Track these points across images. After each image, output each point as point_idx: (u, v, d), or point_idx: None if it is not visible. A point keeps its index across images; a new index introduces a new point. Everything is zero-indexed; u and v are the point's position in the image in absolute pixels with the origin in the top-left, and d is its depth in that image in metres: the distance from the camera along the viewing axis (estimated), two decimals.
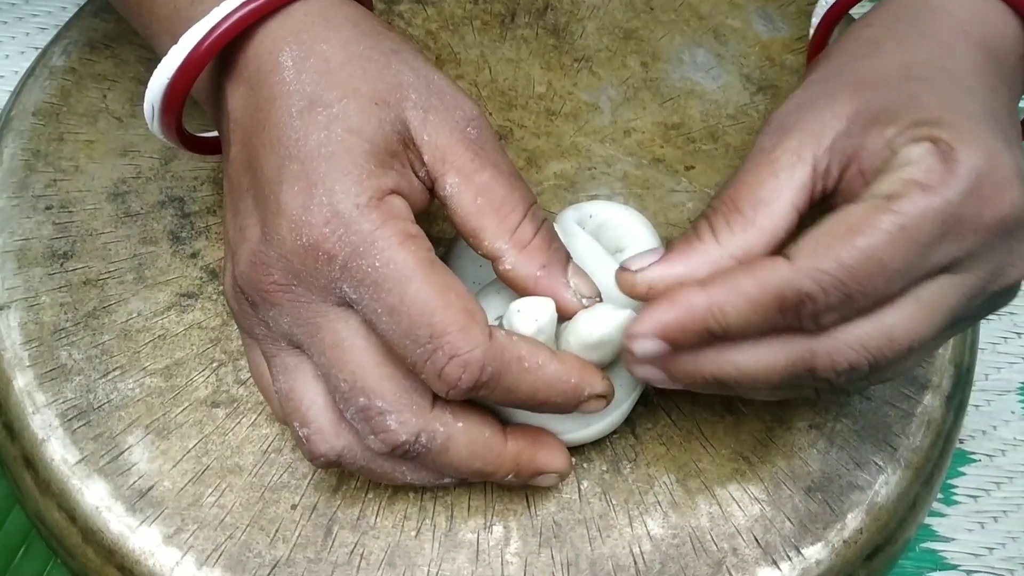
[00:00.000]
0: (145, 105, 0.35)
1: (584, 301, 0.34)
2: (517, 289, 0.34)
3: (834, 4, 0.40)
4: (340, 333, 0.32)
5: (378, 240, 0.32)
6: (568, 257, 0.35)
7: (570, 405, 0.34)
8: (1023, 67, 0.36)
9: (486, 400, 0.33)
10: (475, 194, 0.33)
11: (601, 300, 0.35)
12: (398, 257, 0.31)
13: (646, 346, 0.32)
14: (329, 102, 0.33)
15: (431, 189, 0.34)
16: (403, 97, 0.33)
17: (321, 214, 0.32)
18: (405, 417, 0.32)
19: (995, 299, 0.33)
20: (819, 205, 0.34)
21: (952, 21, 0.35)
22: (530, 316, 0.33)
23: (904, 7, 0.36)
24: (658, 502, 0.38)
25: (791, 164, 0.33)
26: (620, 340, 0.34)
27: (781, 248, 0.32)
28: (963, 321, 0.33)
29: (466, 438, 0.33)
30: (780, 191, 0.33)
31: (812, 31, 0.41)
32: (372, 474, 0.35)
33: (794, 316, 0.31)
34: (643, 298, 0.33)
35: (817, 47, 0.41)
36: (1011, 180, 0.31)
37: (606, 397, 0.34)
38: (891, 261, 0.30)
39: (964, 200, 0.30)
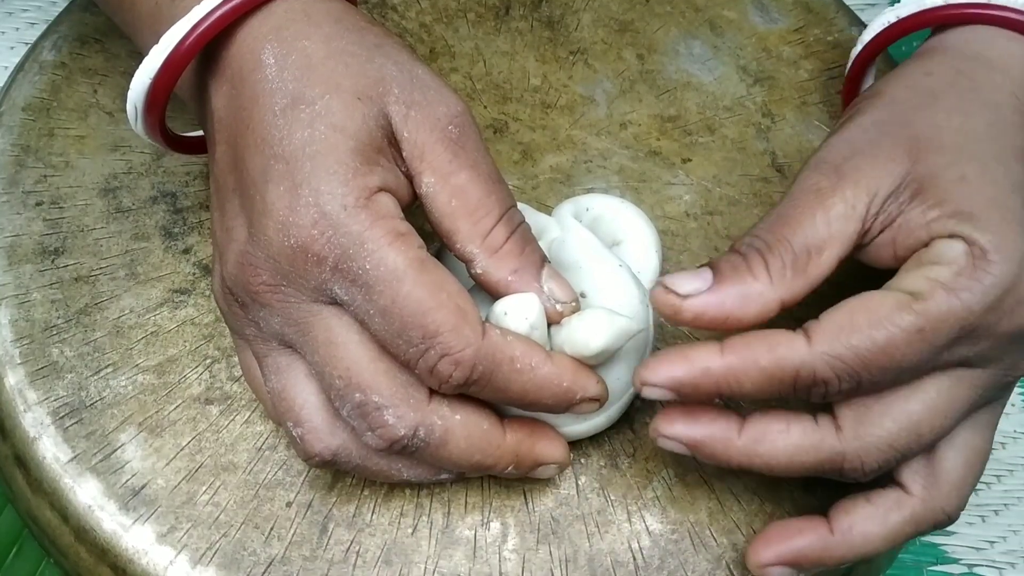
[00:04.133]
0: (128, 106, 0.35)
1: (559, 306, 0.34)
2: (489, 292, 0.34)
3: (872, 40, 0.40)
4: (333, 331, 0.32)
5: (367, 241, 0.31)
6: (543, 261, 0.34)
7: (561, 407, 0.33)
8: None
9: (478, 396, 0.33)
10: (450, 196, 0.33)
11: (578, 304, 0.34)
12: (388, 258, 0.31)
13: (655, 393, 0.32)
14: (311, 99, 0.32)
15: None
16: (386, 91, 0.33)
17: (308, 215, 0.31)
18: (402, 411, 0.32)
19: (1011, 386, 0.34)
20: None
21: (1008, 82, 0.35)
22: (520, 316, 0.33)
23: (963, 59, 0.36)
24: (656, 497, 0.37)
25: (846, 215, 0.33)
26: (616, 345, 0.34)
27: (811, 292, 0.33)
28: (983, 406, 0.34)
29: (464, 431, 0.33)
30: (833, 242, 0.33)
31: (848, 67, 0.41)
32: (368, 472, 0.34)
33: (804, 393, 0.32)
34: (684, 324, 0.33)
35: (852, 87, 0.41)
36: None
37: (599, 400, 0.34)
38: (904, 359, 0.31)
39: (985, 312, 0.31)
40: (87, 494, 0.36)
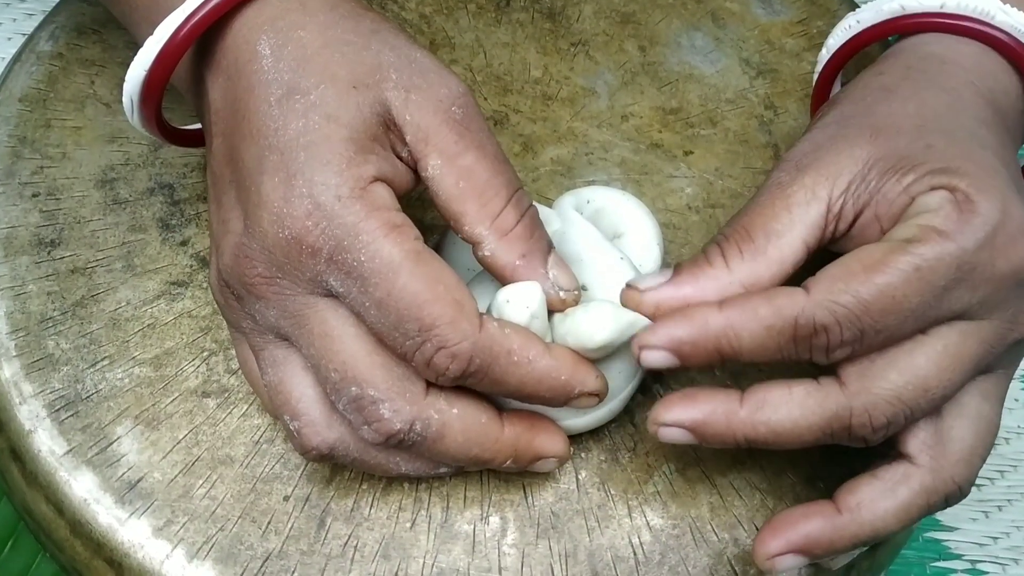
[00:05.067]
0: (124, 98, 0.35)
1: (562, 294, 0.33)
2: (495, 276, 0.34)
3: (838, 50, 0.40)
4: (329, 323, 0.32)
5: (362, 233, 0.31)
6: (550, 247, 0.34)
7: (559, 400, 0.33)
8: (1023, 122, 0.37)
9: (476, 389, 0.32)
10: (457, 177, 0.33)
11: (579, 293, 0.34)
12: (384, 250, 0.31)
13: (655, 357, 0.32)
14: (306, 89, 0.32)
15: (416, 170, 0.33)
16: (383, 78, 0.33)
17: (302, 206, 0.31)
18: (398, 405, 0.32)
19: (1017, 349, 0.34)
20: (828, 246, 0.34)
21: (961, 72, 0.36)
22: (520, 304, 0.33)
23: (915, 57, 0.37)
24: (657, 492, 0.37)
25: (806, 200, 0.33)
26: (621, 339, 0.33)
27: (786, 282, 0.33)
28: (988, 371, 0.33)
29: (461, 424, 0.33)
30: (793, 225, 0.33)
31: (816, 75, 0.41)
32: (366, 466, 0.34)
33: (805, 347, 0.31)
34: (650, 316, 0.33)
35: (820, 93, 0.41)
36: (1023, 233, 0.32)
37: (598, 395, 0.34)
38: (905, 300, 0.31)
39: (979, 249, 0.31)
40: (83, 487, 0.36)
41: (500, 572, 0.35)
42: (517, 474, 0.37)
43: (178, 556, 0.35)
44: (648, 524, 0.37)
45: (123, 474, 0.36)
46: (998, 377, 0.34)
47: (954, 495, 0.33)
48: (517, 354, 0.32)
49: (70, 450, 0.36)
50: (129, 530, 0.35)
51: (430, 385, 0.32)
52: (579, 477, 0.37)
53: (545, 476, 0.37)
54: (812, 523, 0.33)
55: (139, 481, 0.36)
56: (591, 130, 0.44)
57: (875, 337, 0.31)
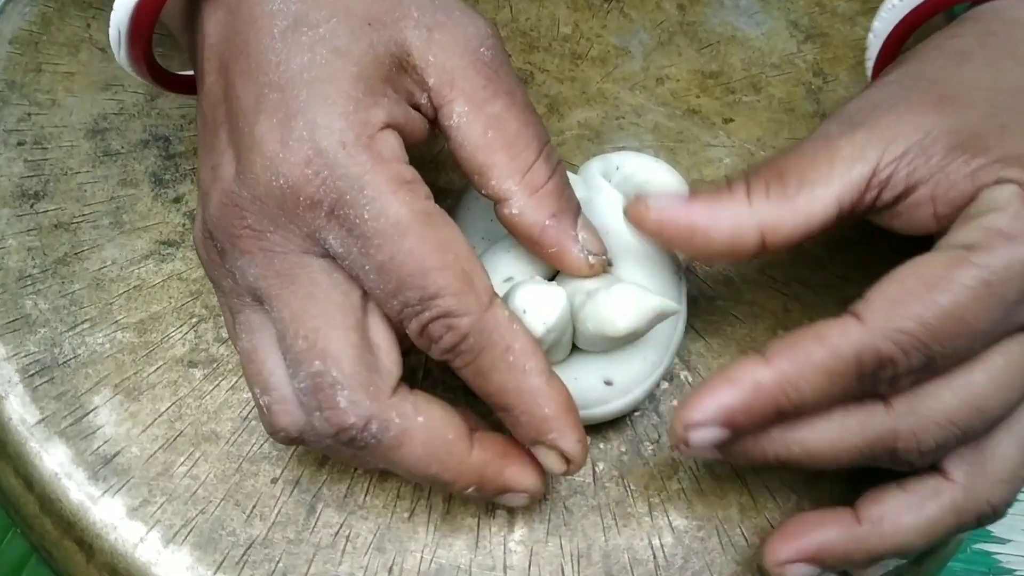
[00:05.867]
0: (111, 30, 0.31)
1: (591, 259, 0.30)
2: (521, 237, 0.30)
3: (910, 13, 0.35)
4: (318, 284, 0.28)
5: (367, 187, 0.28)
6: (579, 208, 0.31)
7: (526, 434, 0.29)
8: None
9: (458, 371, 0.29)
10: (485, 126, 0.29)
11: (608, 260, 0.31)
12: (391, 208, 0.28)
13: (706, 435, 0.28)
14: (316, 22, 0.29)
15: (432, 120, 0.30)
16: (403, 15, 0.29)
17: (301, 152, 0.28)
18: (358, 397, 0.28)
19: None
20: (868, 215, 0.30)
21: None
22: (538, 318, 0.29)
23: (996, 22, 0.33)
24: (682, 489, 0.34)
25: (851, 157, 0.30)
26: (646, 327, 0.30)
27: (807, 238, 0.29)
28: None
29: (424, 436, 0.29)
30: (832, 179, 0.29)
31: (873, 37, 0.37)
32: (339, 457, 0.31)
33: (871, 383, 0.28)
34: (650, 233, 0.30)
35: (886, 58, 0.37)
36: None
37: (570, 461, 0.29)
38: (975, 320, 0.27)
39: None
40: (54, 460, 0.33)
41: (505, 571, 0.32)
42: (481, 501, 0.34)
43: (153, 540, 0.32)
44: (671, 525, 0.33)
45: (98, 447, 0.33)
46: None
47: (987, 517, 0.30)
48: (515, 355, 0.28)
49: (42, 419, 0.33)
50: (101, 509, 0.32)
51: (399, 387, 0.29)
52: (596, 470, 0.34)
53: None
54: (827, 531, 0.30)
55: (115, 456, 0.33)
56: (623, 92, 0.40)
57: (945, 361, 0.28)
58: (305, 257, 0.29)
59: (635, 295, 0.30)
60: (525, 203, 0.30)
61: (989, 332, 0.28)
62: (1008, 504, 0.30)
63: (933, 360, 0.27)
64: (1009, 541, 0.43)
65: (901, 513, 0.30)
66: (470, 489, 0.30)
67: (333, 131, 0.28)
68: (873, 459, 0.29)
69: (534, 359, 0.29)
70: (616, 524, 0.33)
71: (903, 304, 0.27)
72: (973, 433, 0.29)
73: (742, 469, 0.34)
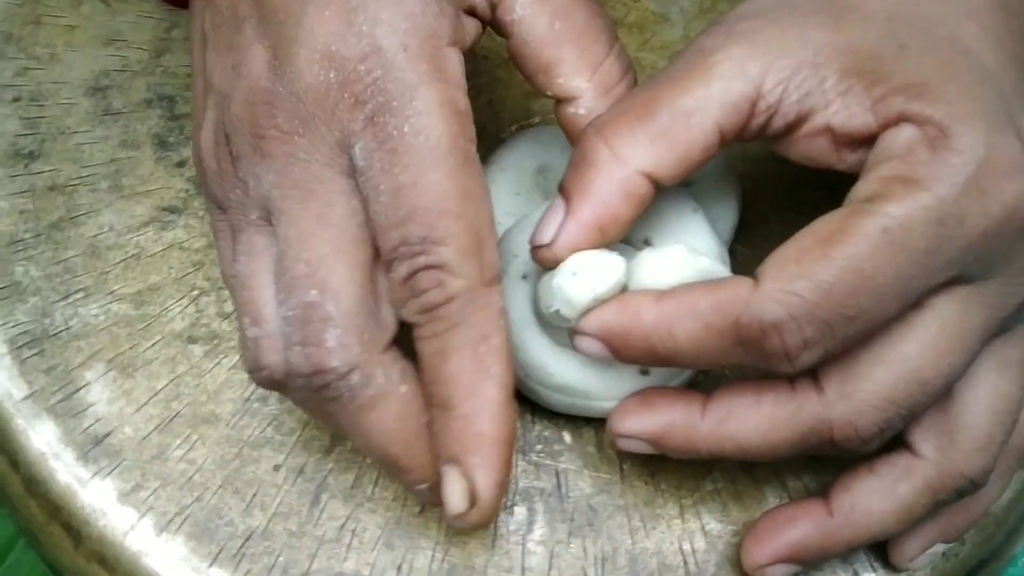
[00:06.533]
0: None
1: None
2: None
3: None
4: (333, 208, 0.26)
5: (418, 99, 0.25)
6: None
7: (444, 445, 0.26)
8: None
9: (423, 339, 0.26)
10: (551, 17, 0.27)
11: (648, 240, 0.29)
12: (434, 130, 0.25)
13: (587, 345, 0.27)
14: None
15: (488, 21, 0.28)
16: None
17: (358, 47, 0.25)
18: (349, 340, 0.25)
19: None
20: (769, 145, 0.28)
21: None
22: (587, 284, 0.27)
23: None
24: (717, 491, 0.31)
25: (729, 75, 0.27)
26: None
27: (696, 170, 0.27)
28: (1005, 332, 0.27)
29: (400, 408, 0.26)
30: (708, 104, 0.27)
31: None
32: (303, 405, 0.28)
33: (758, 353, 0.25)
34: (562, 261, 0.28)
35: None
36: (1017, 166, 0.25)
37: (460, 514, 0.26)
38: (877, 273, 0.24)
39: (963, 195, 0.25)
40: (41, 439, 0.31)
41: (523, 573, 0.30)
42: (550, 459, 0.31)
43: (145, 527, 0.30)
44: (703, 528, 0.31)
45: (89, 426, 0.31)
46: (1019, 337, 0.28)
47: (966, 489, 0.28)
48: (487, 349, 0.25)
49: (31, 394, 0.31)
50: (91, 493, 0.30)
51: (392, 346, 0.26)
52: (623, 467, 0.31)
53: (582, 464, 0.31)
54: (799, 528, 0.28)
55: (107, 436, 0.31)
56: (660, 62, 0.38)
57: (849, 328, 0.25)
58: (327, 171, 0.26)
59: (684, 253, 0.28)
60: (595, 104, 0.28)
61: (899, 288, 0.25)
62: (987, 471, 0.27)
63: (832, 327, 0.25)
64: None
65: (872, 500, 0.28)
66: (422, 486, 0.27)
67: (396, 31, 0.25)
68: (811, 450, 0.27)
69: (503, 367, 0.26)
70: (644, 526, 0.31)
71: (796, 262, 0.25)
72: (920, 406, 0.26)
73: (781, 470, 0.32)
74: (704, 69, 0.27)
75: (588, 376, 0.29)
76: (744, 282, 0.25)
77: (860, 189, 0.26)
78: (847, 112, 0.26)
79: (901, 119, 0.26)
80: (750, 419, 0.27)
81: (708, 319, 0.25)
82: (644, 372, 0.29)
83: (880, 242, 0.24)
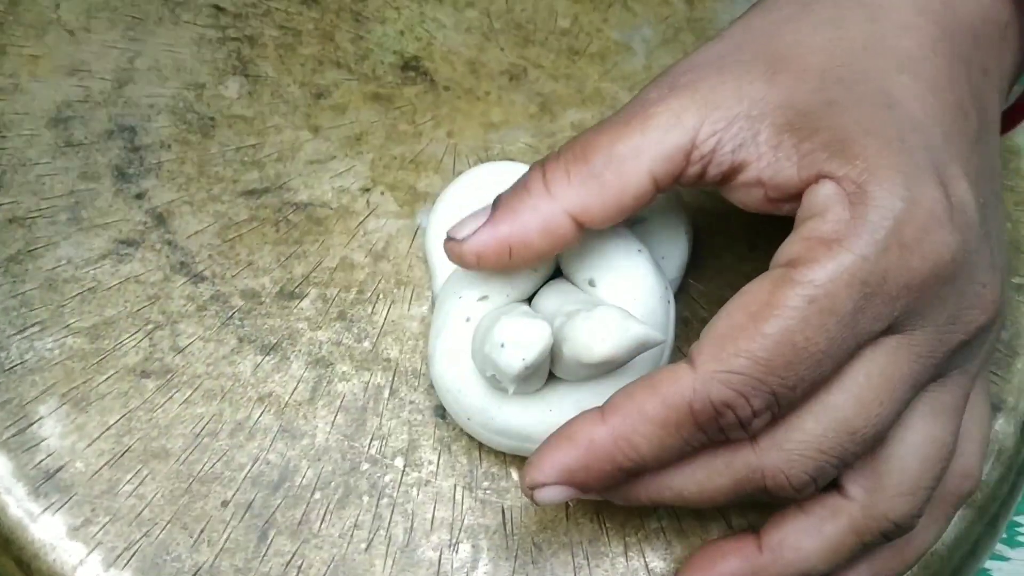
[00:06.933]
0: None
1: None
2: None
3: None
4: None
5: None
6: None
7: None
8: (1011, 40, 0.29)
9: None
10: None
11: (591, 280, 0.29)
12: None
13: (552, 494, 0.27)
14: None
15: None
16: None
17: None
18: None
19: (970, 348, 0.27)
20: (705, 187, 0.28)
21: None
22: (517, 353, 0.27)
23: None
24: (661, 528, 0.31)
25: (666, 125, 0.27)
26: (626, 356, 0.28)
27: (626, 215, 0.28)
28: (940, 378, 0.27)
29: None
30: (642, 151, 0.27)
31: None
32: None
33: (716, 431, 0.26)
34: (474, 269, 0.29)
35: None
36: (938, 218, 0.25)
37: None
38: (809, 344, 0.25)
39: (883, 252, 0.25)
40: None
41: None
42: (495, 496, 0.31)
43: (93, 562, 0.30)
44: (647, 567, 0.31)
45: (41, 461, 0.31)
46: (954, 383, 0.28)
47: (890, 532, 0.28)
48: None
49: None
50: (41, 527, 0.31)
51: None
52: (569, 505, 0.31)
53: (528, 501, 0.31)
54: (729, 563, 0.29)
55: (58, 471, 0.31)
56: (622, 93, 0.38)
57: (792, 394, 0.25)
58: None
59: (616, 320, 0.27)
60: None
61: (833, 351, 0.25)
62: (914, 515, 0.28)
63: (779, 395, 0.25)
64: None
65: (801, 537, 0.28)
66: None
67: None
68: (748, 497, 0.27)
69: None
70: (588, 564, 0.31)
71: (730, 340, 0.25)
72: (851, 455, 0.26)
73: (727, 509, 0.32)
74: (643, 119, 0.27)
75: (528, 420, 0.29)
76: (680, 369, 0.26)
77: (784, 250, 0.26)
78: (776, 166, 0.26)
79: (820, 176, 0.26)
80: (686, 468, 0.27)
81: (662, 417, 0.26)
82: None
83: (808, 313, 0.25)
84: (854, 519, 0.27)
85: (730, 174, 0.27)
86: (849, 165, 0.25)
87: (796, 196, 0.27)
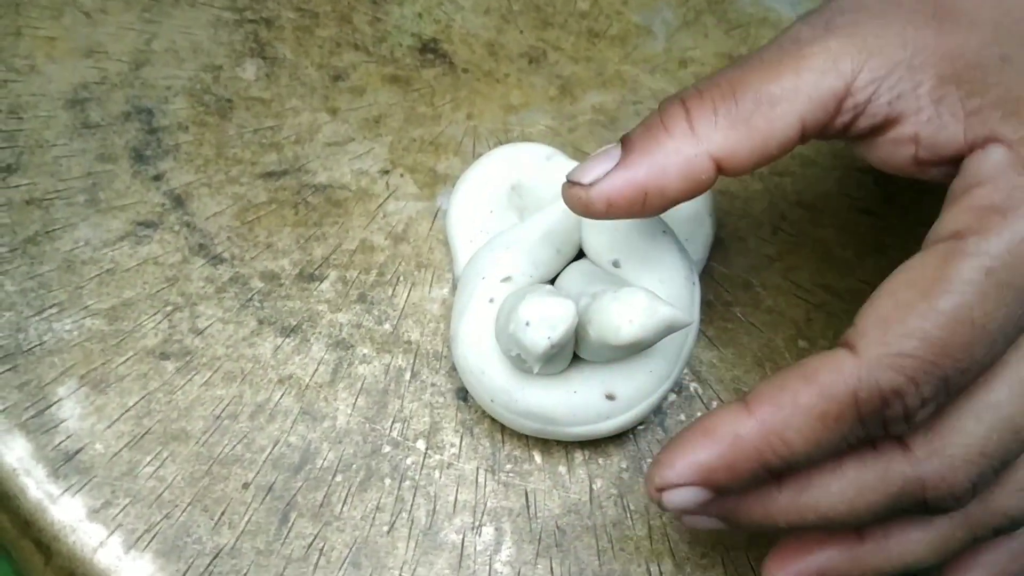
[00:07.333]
0: None
1: None
2: None
3: None
4: None
5: None
6: None
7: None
8: None
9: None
10: None
11: (616, 261, 0.29)
12: None
13: (681, 497, 0.24)
14: None
15: None
16: None
17: None
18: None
19: None
20: (845, 140, 0.26)
21: None
22: (542, 332, 0.26)
23: None
24: None
25: (822, 68, 0.25)
26: (653, 338, 0.27)
27: (769, 162, 0.25)
28: None
29: None
30: (796, 95, 0.25)
31: None
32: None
33: (878, 424, 0.24)
34: (602, 218, 0.26)
35: None
36: None
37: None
38: (988, 319, 0.23)
39: None
40: (13, 455, 0.31)
41: None
42: (519, 479, 0.31)
43: (114, 544, 0.30)
44: (672, 551, 0.30)
45: (60, 443, 0.31)
46: None
47: (1004, 527, 0.26)
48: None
49: (3, 410, 0.31)
50: (61, 509, 0.30)
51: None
52: (593, 487, 0.31)
53: (552, 483, 0.31)
54: (827, 551, 0.26)
55: (78, 452, 0.31)
56: (642, 75, 0.37)
57: (963, 380, 0.23)
58: None
59: (644, 301, 0.27)
60: None
61: (1009, 330, 0.23)
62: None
63: (949, 381, 0.23)
64: None
65: (908, 527, 0.26)
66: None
67: None
68: (902, 512, 0.25)
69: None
70: (612, 547, 0.30)
71: (899, 321, 0.23)
72: (1014, 456, 0.25)
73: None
74: (797, 59, 0.25)
75: (552, 402, 0.29)
76: (838, 356, 0.24)
77: (949, 220, 0.24)
78: (938, 122, 0.25)
79: (990, 140, 0.24)
80: (833, 486, 0.25)
81: (820, 409, 0.23)
82: (610, 397, 0.29)
83: (986, 286, 0.23)
84: (969, 512, 0.26)
85: (881, 127, 0.25)
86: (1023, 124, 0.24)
87: (952, 160, 0.25)
